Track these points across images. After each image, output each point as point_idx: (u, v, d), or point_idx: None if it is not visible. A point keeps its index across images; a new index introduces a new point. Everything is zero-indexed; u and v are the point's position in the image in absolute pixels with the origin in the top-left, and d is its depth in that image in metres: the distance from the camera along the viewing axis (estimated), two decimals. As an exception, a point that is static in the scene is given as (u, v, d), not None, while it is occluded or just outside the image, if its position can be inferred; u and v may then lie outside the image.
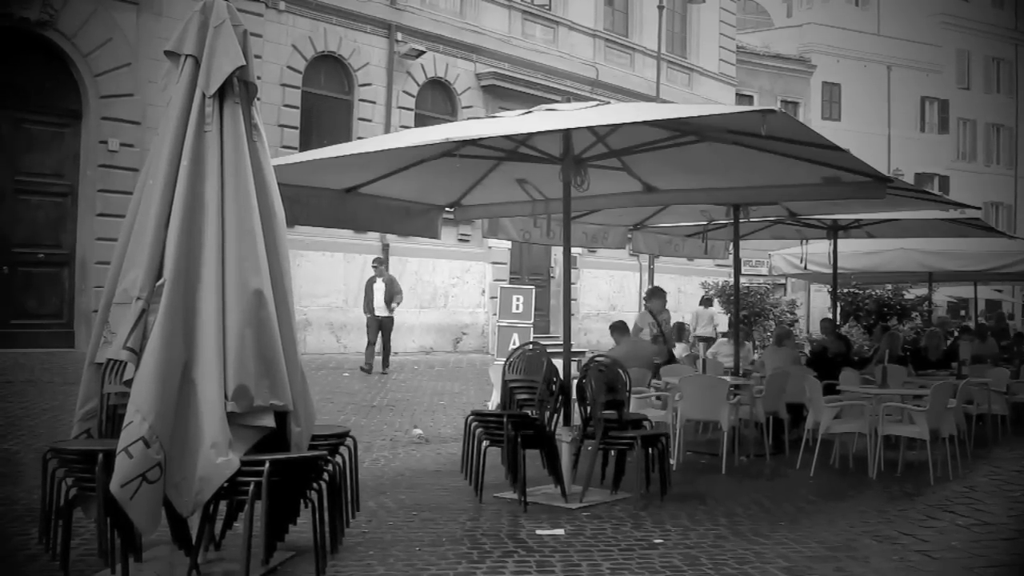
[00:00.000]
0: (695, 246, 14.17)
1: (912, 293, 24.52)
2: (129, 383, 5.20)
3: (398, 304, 18.50)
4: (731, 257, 12.22)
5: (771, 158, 8.03)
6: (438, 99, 23.64)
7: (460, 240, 23.10)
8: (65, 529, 5.39)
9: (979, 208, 13.60)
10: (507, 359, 8.98)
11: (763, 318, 25.54)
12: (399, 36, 22.15)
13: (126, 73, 17.04)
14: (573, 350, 9.30)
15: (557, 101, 13.54)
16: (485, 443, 8.08)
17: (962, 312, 33.64)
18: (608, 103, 15.10)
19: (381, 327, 18.26)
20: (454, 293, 23.50)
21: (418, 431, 11.90)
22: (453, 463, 9.25)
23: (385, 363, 18.27)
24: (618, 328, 11.61)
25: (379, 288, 18.30)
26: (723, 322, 23.50)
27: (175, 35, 5.74)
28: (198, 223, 5.44)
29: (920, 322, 23.41)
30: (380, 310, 18.22)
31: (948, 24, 47.96)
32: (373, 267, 18.81)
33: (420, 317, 22.61)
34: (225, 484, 5.22)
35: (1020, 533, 7.36)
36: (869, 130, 42.62)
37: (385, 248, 21.34)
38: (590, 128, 8.02)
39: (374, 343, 18.22)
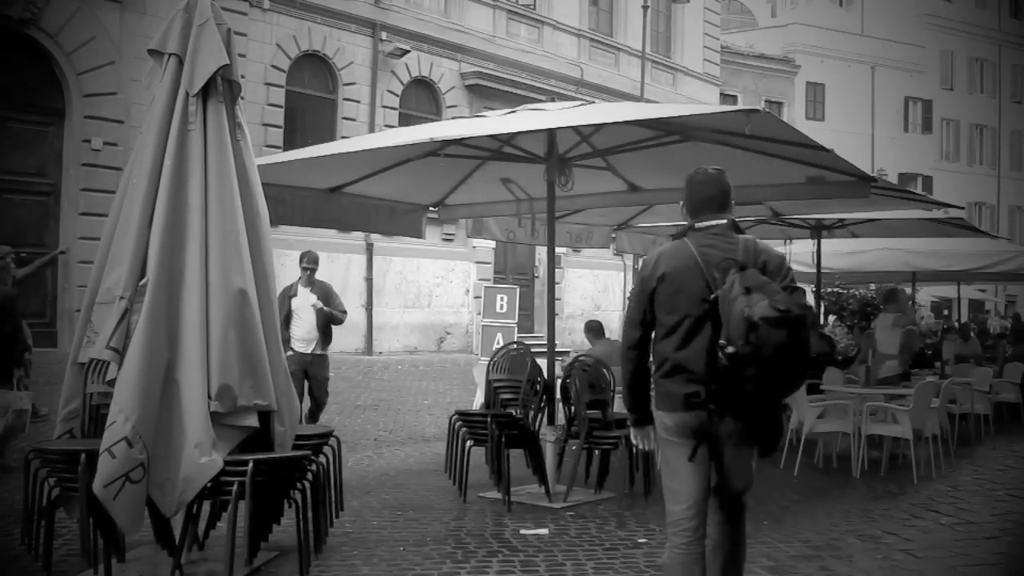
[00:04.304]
0: (679, 246, 14.14)
1: (896, 293, 24.56)
2: (112, 383, 5.19)
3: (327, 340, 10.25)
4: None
5: (755, 158, 8.03)
6: (422, 98, 23.59)
7: (444, 240, 23.06)
8: (48, 529, 5.37)
9: (962, 208, 13.67)
10: (491, 359, 8.98)
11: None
12: (383, 35, 22.10)
13: (109, 71, 16.93)
14: (557, 350, 9.30)
15: (542, 101, 13.48)
16: (469, 443, 8.09)
17: (945, 312, 33.73)
18: (593, 103, 15.10)
19: (308, 374, 9.97)
20: (438, 293, 23.46)
21: None
22: (437, 463, 9.24)
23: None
24: (592, 329, 11.35)
25: (304, 301, 10.01)
26: None
27: (159, 33, 5.72)
28: (181, 222, 5.43)
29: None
30: (305, 344, 10.00)
31: (932, 24, 48.12)
32: (303, 267, 10.20)
33: (404, 317, 22.58)
34: (208, 484, 5.21)
35: (1002, 532, 7.39)
36: (853, 130, 42.72)
37: (369, 247, 21.29)
38: (574, 128, 8.02)
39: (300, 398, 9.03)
